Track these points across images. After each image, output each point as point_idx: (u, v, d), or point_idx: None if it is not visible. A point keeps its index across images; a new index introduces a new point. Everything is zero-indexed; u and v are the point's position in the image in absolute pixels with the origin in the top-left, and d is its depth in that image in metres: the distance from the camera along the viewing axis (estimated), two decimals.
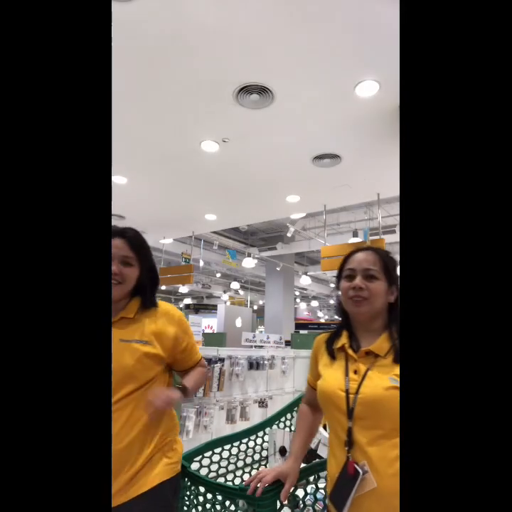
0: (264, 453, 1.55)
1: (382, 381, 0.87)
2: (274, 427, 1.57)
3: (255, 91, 2.72)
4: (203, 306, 13.36)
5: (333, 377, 0.94)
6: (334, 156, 3.66)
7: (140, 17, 2.13)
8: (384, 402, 0.85)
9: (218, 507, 0.92)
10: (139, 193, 4.73)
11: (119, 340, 1.04)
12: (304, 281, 8.53)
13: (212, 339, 4.69)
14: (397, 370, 0.88)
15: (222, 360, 3.59)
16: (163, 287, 7.55)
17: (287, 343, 5.18)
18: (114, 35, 2.24)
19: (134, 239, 1.17)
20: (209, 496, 0.96)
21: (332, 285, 14.62)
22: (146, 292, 1.14)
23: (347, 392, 0.89)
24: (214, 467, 1.34)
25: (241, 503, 0.93)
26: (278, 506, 0.92)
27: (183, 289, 11.28)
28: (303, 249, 8.74)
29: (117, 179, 4.30)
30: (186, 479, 1.02)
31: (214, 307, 11.00)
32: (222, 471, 1.37)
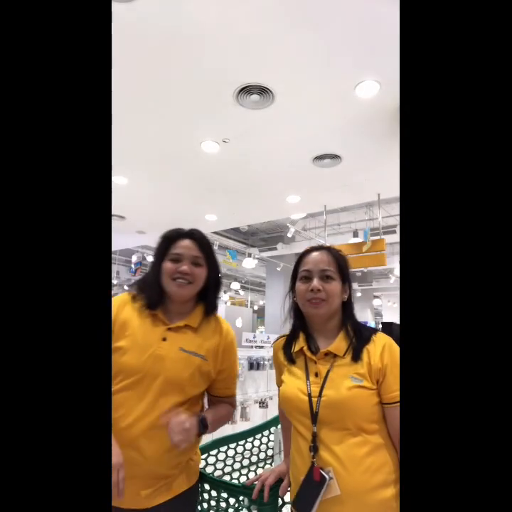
0: (270, 452, 1.57)
1: (344, 381, 0.87)
2: (280, 426, 1.58)
3: (255, 91, 2.72)
4: None
5: (294, 382, 0.92)
6: (334, 157, 3.66)
7: (140, 17, 2.13)
8: (348, 402, 0.85)
9: (223, 504, 0.95)
10: (140, 193, 4.73)
11: (179, 348, 1.03)
12: None
13: None
14: (356, 368, 0.88)
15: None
16: None
17: None
18: (115, 36, 2.25)
19: (202, 240, 1.19)
20: (214, 493, 0.98)
21: None
22: (210, 295, 1.18)
23: (310, 396, 0.88)
24: (220, 465, 1.35)
25: (246, 500, 0.95)
26: (279, 503, 0.94)
27: None
28: (303, 249, 8.73)
29: (118, 180, 4.30)
30: None
31: None
32: (228, 469, 1.39)
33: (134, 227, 6.14)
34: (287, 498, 0.95)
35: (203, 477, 1.01)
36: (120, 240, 7.03)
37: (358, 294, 13.75)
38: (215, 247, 7.28)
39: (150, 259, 10.08)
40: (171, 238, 1.15)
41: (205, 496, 1.00)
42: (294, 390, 0.91)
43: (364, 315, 13.31)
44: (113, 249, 8.41)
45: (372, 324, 12.09)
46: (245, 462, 1.47)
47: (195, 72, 2.55)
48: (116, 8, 2.05)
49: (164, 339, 1.03)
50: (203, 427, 0.98)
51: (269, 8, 2.05)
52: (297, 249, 8.79)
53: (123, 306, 1.09)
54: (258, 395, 4.13)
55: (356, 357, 0.90)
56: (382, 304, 15.42)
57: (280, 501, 0.94)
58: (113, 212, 5.39)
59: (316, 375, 0.90)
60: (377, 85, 2.62)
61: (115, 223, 5.79)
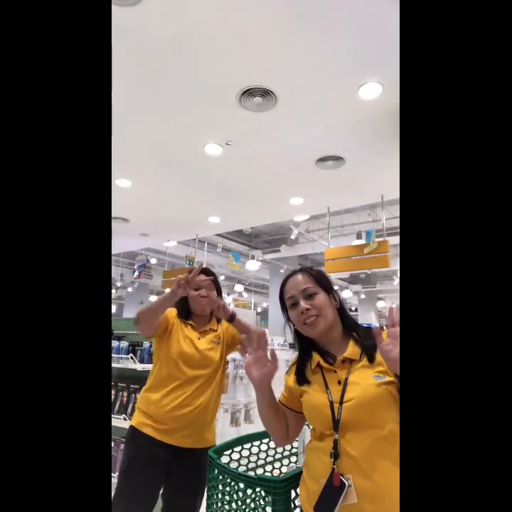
0: (294, 450, 1.63)
1: (368, 381, 0.90)
2: (304, 425, 1.62)
3: (258, 94, 2.73)
4: None
5: (316, 392, 0.95)
6: (338, 158, 3.66)
7: (143, 21, 2.15)
8: (378, 398, 0.88)
9: (240, 494, 1.05)
10: (143, 195, 4.74)
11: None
12: None
13: None
14: (375, 368, 0.92)
15: (226, 362, 3.58)
16: (166, 290, 7.55)
17: (291, 346, 5.18)
18: (118, 40, 2.26)
19: (210, 271, 1.73)
20: (233, 484, 1.07)
21: (336, 287, 14.54)
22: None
23: (331, 403, 0.91)
24: (244, 461, 1.45)
25: (263, 491, 1.06)
26: (292, 496, 0.99)
27: None
28: (307, 251, 8.73)
29: (121, 182, 4.32)
30: (215, 470, 1.13)
31: None
32: (251, 465, 1.47)
33: (138, 230, 6.16)
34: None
35: (225, 470, 1.10)
36: (124, 242, 7.05)
37: (362, 296, 13.71)
38: (219, 250, 7.25)
39: (153, 261, 10.11)
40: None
41: (227, 488, 1.09)
42: (317, 400, 0.94)
43: (368, 317, 13.25)
44: (117, 251, 8.44)
45: (376, 326, 12.02)
46: (269, 459, 1.56)
47: (198, 75, 2.57)
48: (119, 13, 2.06)
49: (199, 338, 1.65)
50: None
51: (271, 10, 2.06)
52: (301, 251, 8.79)
53: None
54: None
55: (372, 359, 0.94)
56: (386, 306, 15.37)
57: (293, 493, 0.99)
58: (117, 214, 5.41)
59: (339, 382, 0.93)
60: (380, 87, 2.62)
61: (119, 226, 5.81)
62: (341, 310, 1.05)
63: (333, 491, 0.84)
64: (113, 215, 5.40)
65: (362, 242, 5.24)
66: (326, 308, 1.00)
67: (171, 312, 1.68)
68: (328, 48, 2.31)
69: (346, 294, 12.34)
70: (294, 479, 0.99)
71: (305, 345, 1.04)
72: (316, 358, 1.00)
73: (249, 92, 2.71)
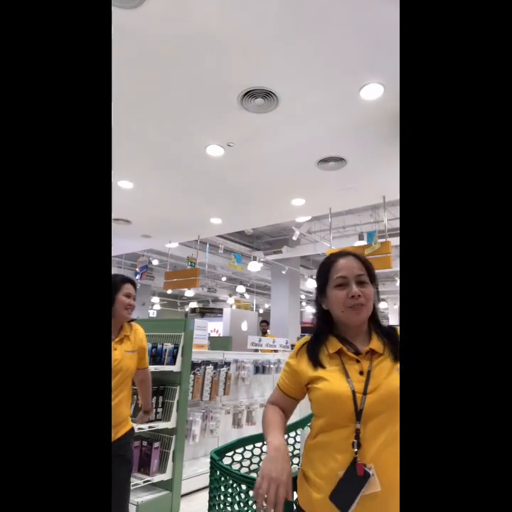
0: (296, 452, 1.62)
1: (393, 375, 0.92)
2: (306, 428, 1.60)
3: (260, 95, 2.73)
4: (208, 310, 13.37)
5: (337, 379, 0.93)
6: (339, 159, 3.66)
7: (145, 23, 2.15)
8: (398, 394, 0.89)
9: (242, 495, 1.05)
10: (145, 197, 4.75)
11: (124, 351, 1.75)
12: (310, 284, 8.51)
13: (218, 343, 4.69)
14: (398, 364, 0.93)
15: (228, 364, 3.58)
16: (169, 291, 7.57)
17: (293, 347, 5.14)
18: (120, 42, 2.27)
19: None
20: (235, 485, 1.08)
21: None
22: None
23: (354, 393, 0.90)
24: (246, 463, 1.46)
25: None
26: (295, 497, 0.99)
27: (189, 292, 11.31)
28: (308, 252, 8.73)
29: (123, 184, 4.33)
30: (218, 472, 1.14)
31: (220, 311, 11.00)
32: (254, 466, 1.48)
33: (140, 231, 6.17)
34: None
35: (227, 472, 1.10)
36: (126, 243, 7.07)
37: None
38: (220, 251, 7.25)
39: (155, 262, 10.11)
40: None
41: (230, 490, 1.09)
42: (338, 388, 0.91)
43: None
44: (119, 253, 8.46)
45: None
46: None
47: (199, 76, 2.57)
48: (121, 14, 2.07)
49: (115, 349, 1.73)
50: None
51: (272, 12, 2.06)
52: (302, 252, 8.78)
53: None
54: (264, 398, 4.11)
55: (396, 355, 0.95)
56: (388, 307, 15.32)
57: (295, 495, 0.98)
58: (119, 216, 5.43)
59: (361, 373, 0.93)
60: (381, 88, 2.62)
61: (121, 227, 5.83)
62: (373, 306, 1.04)
63: (354, 480, 0.84)
64: (115, 216, 5.41)
65: (364, 243, 5.23)
66: (371, 300, 1.00)
67: None
68: (329, 49, 2.31)
69: None
70: (295, 480, 0.98)
71: (325, 328, 1.02)
72: (336, 343, 0.98)
73: (250, 94, 2.72)
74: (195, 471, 3.13)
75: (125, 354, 1.70)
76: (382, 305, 14.25)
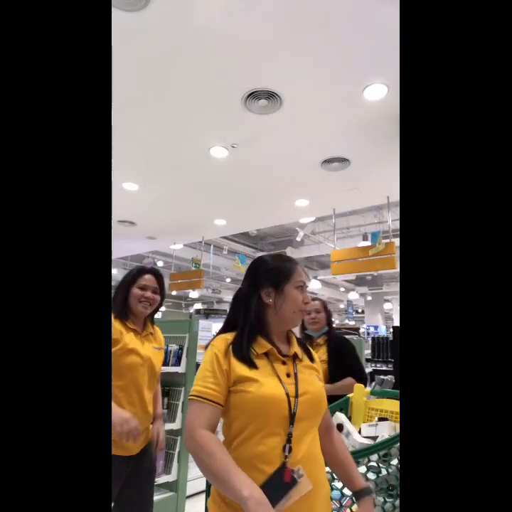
0: None
1: (314, 380, 0.96)
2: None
3: (263, 96, 2.74)
4: (213, 311, 13.38)
5: (271, 382, 0.88)
6: (343, 160, 3.65)
7: (149, 26, 2.17)
8: (323, 398, 0.95)
9: None
10: (150, 199, 4.77)
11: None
12: (314, 285, 8.49)
13: None
14: (314, 368, 0.99)
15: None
16: (173, 292, 7.58)
17: None
18: (123, 44, 2.29)
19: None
20: None
21: (342, 289, 14.50)
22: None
23: (288, 395, 0.87)
24: None
25: None
26: None
27: (194, 294, 11.31)
28: (312, 253, 8.72)
29: (128, 186, 4.35)
30: None
31: (224, 312, 11.00)
32: None
33: (145, 233, 6.20)
34: None
35: None
36: (131, 245, 7.10)
37: (369, 298, 13.63)
38: (225, 252, 7.25)
39: (160, 264, 10.14)
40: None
41: None
42: (273, 391, 0.87)
43: (375, 319, 13.16)
44: (124, 255, 8.50)
45: (383, 328, 11.93)
46: None
47: (203, 78, 2.58)
48: (124, 16, 2.09)
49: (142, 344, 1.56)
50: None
51: (275, 13, 2.07)
52: (306, 253, 8.78)
53: None
54: None
55: (312, 358, 1.02)
56: (393, 308, 15.25)
57: None
58: (124, 218, 5.45)
59: (288, 375, 0.92)
60: (385, 88, 2.62)
61: (126, 229, 5.85)
62: None
63: (280, 487, 0.80)
64: (120, 218, 5.44)
65: (368, 243, 5.22)
66: None
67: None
68: (332, 50, 2.31)
69: (352, 296, 12.26)
70: None
71: (257, 326, 0.97)
72: (265, 344, 0.94)
73: (254, 95, 2.72)
74: (200, 472, 3.12)
75: (153, 350, 1.55)
76: (386, 306, 14.18)
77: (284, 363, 0.94)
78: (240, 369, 0.88)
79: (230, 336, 0.95)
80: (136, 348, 1.47)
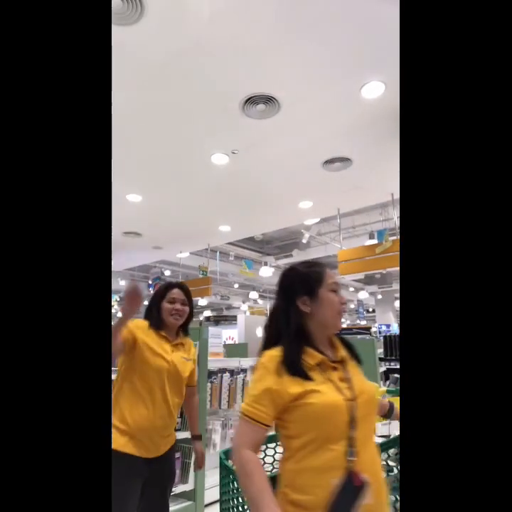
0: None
1: (365, 381, 0.97)
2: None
3: (261, 101, 2.75)
4: (222, 318, 13.38)
5: (329, 390, 0.89)
6: (344, 159, 3.64)
7: (144, 39, 2.20)
8: (376, 400, 0.97)
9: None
10: (154, 209, 4.81)
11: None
12: None
13: (233, 350, 4.68)
14: (360, 369, 1.00)
15: (244, 370, 3.57)
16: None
17: None
18: (120, 58, 2.32)
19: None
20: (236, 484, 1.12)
21: (351, 289, 14.41)
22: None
23: (347, 400, 0.88)
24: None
25: None
26: None
27: (203, 301, 11.33)
28: (319, 254, 8.68)
29: (132, 197, 4.39)
30: (224, 471, 1.16)
31: (234, 318, 10.99)
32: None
33: (151, 243, 6.24)
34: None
35: (231, 470, 1.13)
36: (137, 256, 7.14)
37: (379, 297, 13.52)
38: (231, 258, 7.26)
39: (167, 273, 10.19)
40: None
41: (231, 485, 1.13)
42: (333, 398, 0.88)
43: (386, 317, 13.04)
44: (131, 265, 8.55)
45: (395, 326, 11.81)
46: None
47: (199, 87, 2.60)
48: (119, 32, 2.12)
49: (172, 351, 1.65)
50: None
51: (268, 16, 2.08)
52: (313, 255, 8.74)
53: None
54: None
55: (359, 360, 1.02)
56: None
57: None
58: (129, 229, 5.49)
59: (342, 380, 0.93)
60: (382, 85, 2.61)
61: (132, 240, 5.89)
62: None
63: (350, 492, 0.82)
64: (125, 230, 5.48)
65: (375, 242, 5.18)
66: None
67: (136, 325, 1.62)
68: (327, 50, 2.32)
69: (362, 296, 12.17)
70: None
71: (301, 338, 0.97)
72: (315, 354, 0.94)
73: (251, 100, 2.74)
74: (218, 480, 3.10)
75: (181, 359, 1.65)
76: (397, 304, 14.06)
77: (335, 368, 0.95)
78: (296, 386, 0.88)
79: (276, 352, 0.94)
80: (163, 354, 1.58)
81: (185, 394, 1.70)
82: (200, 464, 1.74)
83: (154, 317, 1.66)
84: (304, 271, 1.03)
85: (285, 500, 0.88)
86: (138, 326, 1.59)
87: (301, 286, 1.01)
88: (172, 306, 1.65)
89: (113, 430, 1.46)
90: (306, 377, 0.90)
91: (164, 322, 1.65)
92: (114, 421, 1.48)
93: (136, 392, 1.51)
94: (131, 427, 1.47)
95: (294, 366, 0.91)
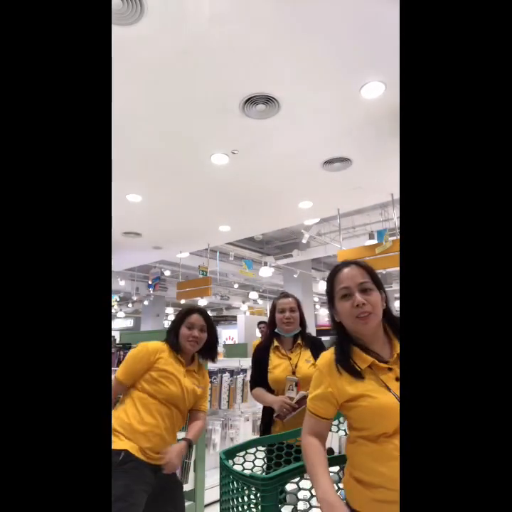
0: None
1: None
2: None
3: (261, 101, 2.75)
4: (222, 318, 13.39)
5: (380, 393, 0.90)
6: (344, 160, 3.64)
7: (143, 39, 2.19)
8: None
9: (240, 490, 1.12)
10: (154, 209, 4.81)
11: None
12: (323, 286, 8.46)
13: (233, 350, 4.69)
14: None
15: (244, 370, 3.57)
16: (182, 301, 7.61)
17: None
18: (121, 57, 2.32)
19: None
20: (239, 483, 1.15)
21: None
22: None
23: (400, 403, 0.88)
24: (248, 465, 1.54)
25: (288, 497, 1.15)
26: (285, 494, 1.07)
27: (202, 301, 11.33)
28: (319, 254, 8.68)
29: (132, 197, 4.39)
30: (224, 471, 1.20)
31: (234, 318, 11.00)
32: (256, 469, 1.54)
33: (151, 243, 6.23)
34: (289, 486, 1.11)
35: (231, 471, 1.18)
36: (137, 256, 7.14)
37: None
38: (231, 258, 7.27)
39: (167, 273, 10.20)
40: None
41: (235, 485, 1.16)
42: (385, 401, 0.89)
43: None
44: (131, 266, 8.55)
45: None
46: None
47: (200, 87, 2.60)
48: (120, 31, 2.12)
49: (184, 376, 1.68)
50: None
51: (268, 17, 2.08)
52: (313, 255, 8.75)
53: None
54: None
55: None
56: None
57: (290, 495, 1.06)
58: (129, 230, 5.49)
59: (397, 379, 0.92)
60: (382, 86, 2.61)
61: (132, 240, 5.89)
62: (387, 310, 1.03)
63: None
64: (125, 230, 5.48)
65: (374, 242, 5.18)
66: (379, 306, 0.98)
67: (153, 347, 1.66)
68: (327, 50, 2.32)
69: None
70: (281, 477, 1.05)
71: (344, 341, 1.00)
72: (364, 356, 0.96)
73: (251, 100, 2.74)
74: (218, 480, 3.10)
75: (191, 385, 1.68)
76: (397, 304, 14.05)
77: (390, 369, 0.93)
78: (349, 387, 0.94)
79: (329, 354, 1.02)
80: (177, 375, 1.63)
81: (189, 417, 1.76)
82: (169, 468, 1.58)
83: (172, 341, 1.70)
84: (327, 280, 1.06)
85: (350, 475, 0.96)
86: (156, 349, 1.64)
87: (327, 298, 1.07)
88: (190, 332, 1.68)
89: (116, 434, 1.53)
90: (357, 374, 0.94)
91: (181, 347, 1.69)
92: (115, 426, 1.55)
93: (145, 405, 1.56)
94: (135, 431, 1.52)
95: (343, 364, 0.97)
